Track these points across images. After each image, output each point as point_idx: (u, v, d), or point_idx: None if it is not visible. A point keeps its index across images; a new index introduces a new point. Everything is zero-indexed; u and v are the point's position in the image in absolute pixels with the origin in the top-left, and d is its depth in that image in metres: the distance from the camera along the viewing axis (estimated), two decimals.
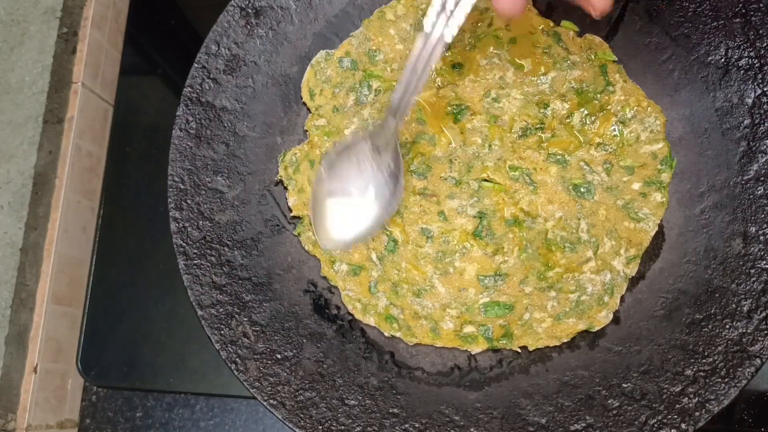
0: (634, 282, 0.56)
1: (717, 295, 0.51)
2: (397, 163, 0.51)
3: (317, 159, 0.60)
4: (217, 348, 0.54)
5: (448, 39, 0.45)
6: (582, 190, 0.56)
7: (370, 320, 0.57)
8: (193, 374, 0.67)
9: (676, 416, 0.48)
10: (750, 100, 0.54)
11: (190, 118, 0.59)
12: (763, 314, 0.49)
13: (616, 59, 0.58)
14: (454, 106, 0.59)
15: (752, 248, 0.51)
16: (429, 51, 0.46)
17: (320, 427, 0.51)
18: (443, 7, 0.43)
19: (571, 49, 0.59)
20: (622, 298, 0.55)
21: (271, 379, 0.53)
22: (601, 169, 0.56)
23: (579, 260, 0.55)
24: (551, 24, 0.59)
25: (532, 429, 0.51)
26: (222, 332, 0.54)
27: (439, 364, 0.56)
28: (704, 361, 0.49)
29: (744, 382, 0.48)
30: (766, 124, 0.53)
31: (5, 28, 0.72)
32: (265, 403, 0.52)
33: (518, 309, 0.56)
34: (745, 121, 0.54)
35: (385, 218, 0.52)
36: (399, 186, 0.51)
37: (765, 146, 0.53)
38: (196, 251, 0.56)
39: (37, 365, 0.67)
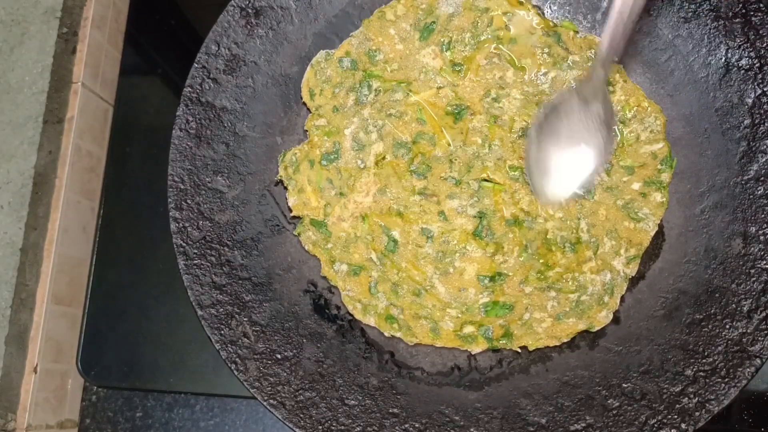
0: (634, 282, 0.56)
1: (717, 295, 0.51)
2: (608, 111, 0.51)
3: (317, 159, 0.60)
4: (217, 348, 0.54)
5: None
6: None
7: (370, 320, 0.57)
8: (193, 374, 0.67)
9: (676, 416, 0.48)
10: (750, 100, 0.54)
11: (190, 118, 0.59)
12: (763, 314, 0.49)
13: (617, 59, 0.58)
14: (454, 106, 0.59)
15: (752, 248, 0.51)
16: None
17: (320, 427, 0.51)
18: None
19: (571, 49, 0.59)
20: (622, 298, 0.55)
21: (271, 379, 0.53)
22: (601, 169, 0.56)
23: (579, 260, 0.55)
24: (551, 24, 0.59)
25: (532, 429, 0.51)
26: (222, 332, 0.54)
27: (439, 364, 0.56)
28: (704, 361, 0.49)
29: (744, 382, 0.48)
30: (766, 124, 0.53)
31: (5, 28, 0.72)
32: (265, 403, 0.52)
33: (518, 309, 0.56)
34: (745, 121, 0.54)
35: (603, 166, 0.53)
36: (611, 132, 0.52)
37: (765, 146, 0.53)
38: (196, 251, 0.56)
39: (37, 365, 0.67)
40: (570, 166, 0.52)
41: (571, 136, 0.51)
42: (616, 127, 0.52)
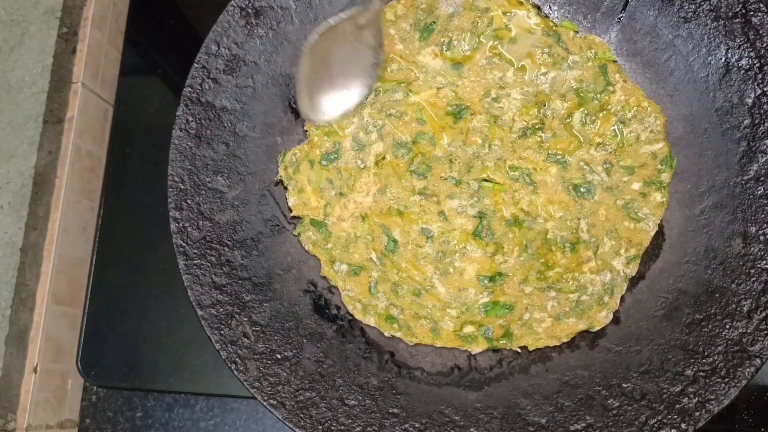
0: (634, 282, 0.56)
1: (717, 295, 0.51)
2: (378, 39, 0.55)
3: (317, 159, 0.60)
4: (217, 348, 0.54)
5: None
6: (582, 190, 0.56)
7: (370, 320, 0.57)
8: (193, 374, 0.67)
9: (676, 416, 0.48)
10: (750, 100, 0.53)
11: (190, 118, 0.59)
12: (763, 314, 0.49)
13: (616, 59, 0.58)
14: (454, 106, 0.59)
15: (752, 248, 0.51)
16: None
17: (320, 427, 0.51)
18: None
19: (571, 49, 0.59)
20: (622, 298, 0.55)
21: (271, 379, 0.53)
22: (601, 169, 0.56)
23: (579, 260, 0.55)
24: (551, 24, 0.59)
25: (532, 429, 0.51)
26: (222, 332, 0.54)
27: (439, 364, 0.56)
28: (704, 361, 0.49)
29: (744, 382, 0.47)
30: (766, 124, 0.53)
31: (5, 28, 0.72)
32: (265, 403, 0.52)
33: (518, 309, 0.56)
34: (745, 121, 0.54)
35: (368, 86, 0.56)
36: (380, 56, 0.55)
37: (765, 146, 0.53)
38: (196, 251, 0.56)
39: (37, 365, 0.67)
40: (338, 85, 0.55)
41: (342, 59, 0.55)
42: (381, 55, 0.55)
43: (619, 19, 0.59)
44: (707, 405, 0.48)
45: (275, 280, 0.58)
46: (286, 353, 0.55)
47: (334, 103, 0.56)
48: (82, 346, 0.69)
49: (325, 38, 0.54)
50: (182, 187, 0.58)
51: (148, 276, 0.70)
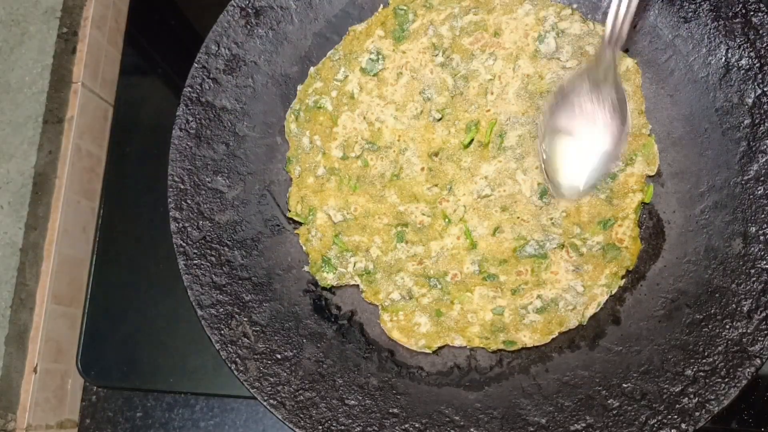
0: (634, 282, 0.56)
1: (717, 295, 0.51)
2: (620, 94, 0.48)
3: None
4: (217, 348, 0.54)
5: None
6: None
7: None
8: (193, 374, 0.67)
9: (676, 416, 0.48)
10: (750, 100, 0.53)
11: (190, 118, 0.59)
12: (763, 314, 0.49)
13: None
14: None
15: (752, 248, 0.51)
16: None
17: (320, 427, 0.51)
18: None
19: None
20: (623, 298, 0.55)
21: (271, 379, 0.53)
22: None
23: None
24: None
25: (532, 429, 0.51)
26: (222, 332, 0.54)
27: (439, 364, 0.56)
28: (704, 361, 0.49)
29: (744, 382, 0.47)
30: (766, 124, 0.53)
31: (5, 28, 0.72)
32: (265, 403, 0.52)
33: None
34: (745, 121, 0.54)
35: (619, 153, 0.49)
36: (626, 117, 0.48)
37: (765, 146, 0.53)
38: (196, 251, 0.56)
39: (37, 365, 0.67)
40: (586, 155, 0.48)
41: (585, 123, 0.48)
42: (627, 112, 0.48)
43: None
44: (707, 405, 0.48)
45: (275, 280, 0.58)
46: (286, 353, 0.55)
47: (584, 172, 0.48)
48: (82, 346, 0.69)
49: (562, 104, 0.48)
50: (182, 187, 0.58)
51: (148, 276, 0.70)
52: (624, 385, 0.51)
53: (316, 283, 0.59)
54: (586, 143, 0.48)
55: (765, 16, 0.53)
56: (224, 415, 0.69)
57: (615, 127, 0.48)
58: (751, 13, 0.54)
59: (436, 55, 0.60)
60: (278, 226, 0.60)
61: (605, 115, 0.48)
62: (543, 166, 0.49)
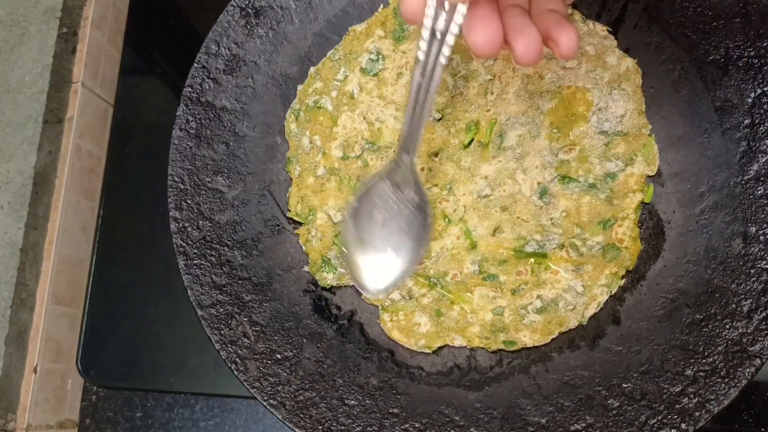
0: (634, 282, 0.56)
1: (717, 295, 0.51)
2: (422, 196, 0.49)
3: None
4: (217, 348, 0.54)
5: (444, 62, 0.43)
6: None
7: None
8: (193, 374, 0.67)
9: (676, 416, 0.48)
10: (750, 100, 0.53)
11: (190, 118, 0.59)
12: (763, 314, 0.49)
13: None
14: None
15: (752, 248, 0.51)
16: (428, 78, 0.44)
17: (320, 427, 0.51)
18: (433, 34, 0.42)
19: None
20: (623, 298, 0.55)
21: (271, 379, 0.53)
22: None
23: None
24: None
25: (532, 429, 0.51)
26: (222, 332, 0.54)
27: (439, 364, 0.56)
28: (704, 361, 0.49)
29: (744, 382, 0.47)
30: (766, 124, 0.53)
31: (5, 28, 0.72)
32: (265, 403, 0.52)
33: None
34: (745, 121, 0.54)
35: (422, 252, 0.50)
36: (428, 217, 0.49)
37: (765, 146, 0.53)
38: (196, 251, 0.56)
39: (37, 365, 0.67)
40: (388, 257, 0.49)
41: (386, 224, 0.49)
42: (429, 214, 0.49)
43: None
44: (707, 405, 0.48)
45: (275, 280, 0.58)
46: (286, 353, 0.55)
47: (386, 274, 0.49)
48: (82, 346, 0.69)
49: (365, 202, 0.49)
50: (182, 187, 0.58)
51: (148, 276, 0.70)
52: (624, 385, 0.51)
53: (316, 283, 0.59)
54: (387, 252, 0.49)
55: (765, 16, 0.53)
56: (224, 415, 0.69)
57: (416, 227, 0.49)
58: (751, 13, 0.54)
59: None
60: (278, 226, 0.60)
61: (408, 216, 0.49)
62: (349, 261, 0.50)
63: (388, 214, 0.49)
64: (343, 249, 0.51)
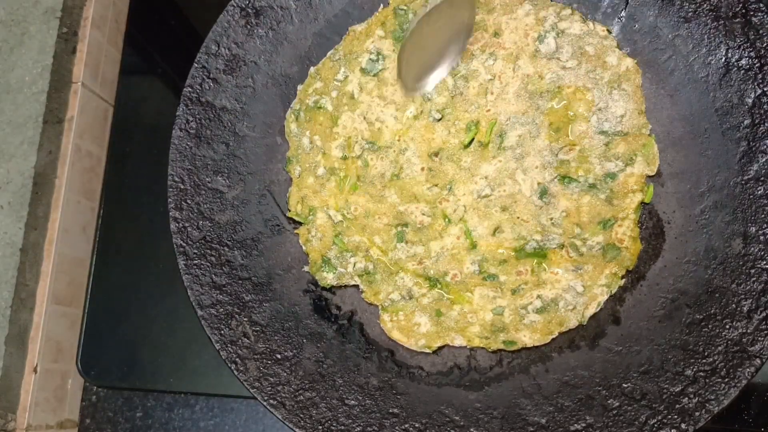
0: (634, 282, 0.56)
1: (717, 295, 0.51)
2: (471, 17, 0.57)
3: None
4: (217, 348, 0.54)
5: None
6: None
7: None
8: (193, 374, 0.67)
9: (676, 416, 0.48)
10: (750, 100, 0.54)
11: (190, 118, 0.59)
12: (763, 314, 0.49)
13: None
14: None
15: (752, 248, 0.51)
16: None
17: (320, 427, 0.51)
18: None
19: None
20: (623, 298, 0.55)
21: (271, 379, 0.53)
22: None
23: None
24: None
25: (532, 429, 0.51)
26: (222, 332, 0.54)
27: (439, 364, 0.56)
28: (704, 361, 0.49)
29: (744, 382, 0.47)
30: (766, 124, 0.53)
31: (5, 28, 0.72)
32: (265, 403, 0.52)
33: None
34: (745, 121, 0.54)
35: (456, 60, 0.58)
36: (470, 31, 0.57)
37: (765, 146, 0.53)
38: (196, 251, 0.56)
39: (37, 365, 0.67)
40: (431, 62, 0.57)
41: (437, 37, 0.57)
42: (471, 29, 0.58)
43: (620, 18, 0.59)
44: (707, 405, 0.48)
45: (275, 280, 0.58)
46: (286, 353, 0.55)
47: (429, 77, 0.57)
48: (82, 346, 0.69)
49: (424, 20, 0.57)
50: (182, 187, 0.58)
51: (148, 276, 0.70)
52: (624, 385, 0.51)
53: (316, 283, 0.59)
54: (434, 55, 0.57)
55: (765, 16, 0.53)
56: (224, 415, 0.69)
57: (459, 45, 0.57)
58: (751, 13, 0.54)
59: None
60: (278, 226, 0.60)
61: (454, 34, 0.57)
62: (400, 67, 0.58)
63: (439, 28, 0.57)
64: (399, 56, 0.58)
